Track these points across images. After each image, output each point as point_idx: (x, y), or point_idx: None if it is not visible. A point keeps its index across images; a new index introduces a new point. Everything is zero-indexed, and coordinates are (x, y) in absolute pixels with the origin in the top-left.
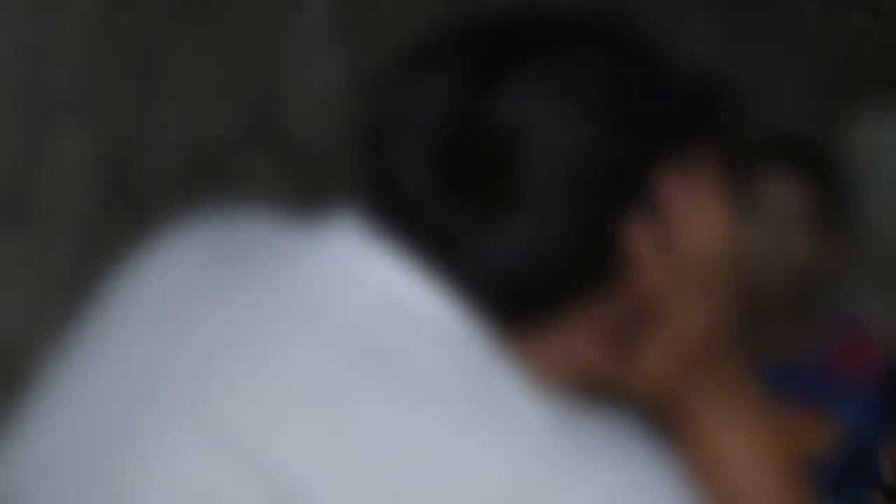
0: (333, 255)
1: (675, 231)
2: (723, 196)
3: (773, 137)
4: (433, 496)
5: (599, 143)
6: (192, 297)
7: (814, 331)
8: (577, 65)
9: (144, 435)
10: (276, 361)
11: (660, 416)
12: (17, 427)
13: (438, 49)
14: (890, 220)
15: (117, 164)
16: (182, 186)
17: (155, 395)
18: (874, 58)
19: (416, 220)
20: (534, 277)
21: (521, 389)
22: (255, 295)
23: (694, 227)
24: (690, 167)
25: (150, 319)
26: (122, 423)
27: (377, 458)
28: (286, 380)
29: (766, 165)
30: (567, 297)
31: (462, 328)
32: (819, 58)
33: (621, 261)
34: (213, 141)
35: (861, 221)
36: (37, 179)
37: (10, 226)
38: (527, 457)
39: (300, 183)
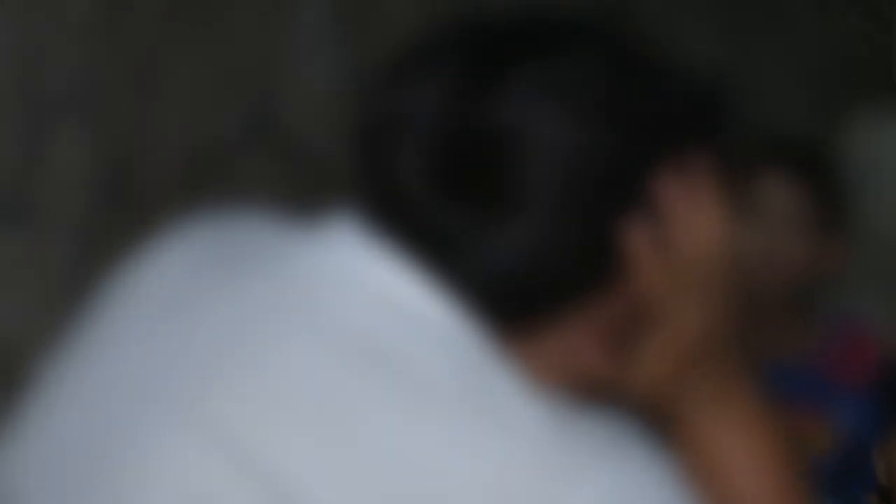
0: (332, 255)
1: (672, 232)
2: (721, 197)
3: (771, 138)
4: (430, 497)
5: (597, 144)
6: (191, 297)
7: (812, 332)
8: (576, 66)
9: (144, 435)
10: (275, 362)
11: (657, 418)
12: (17, 427)
13: (437, 50)
14: (888, 220)
15: (117, 164)
16: (182, 186)
17: (154, 395)
18: (871, 59)
19: (414, 221)
20: (532, 278)
21: (519, 391)
22: (254, 295)
23: (692, 229)
24: (688, 168)
25: (149, 319)
26: (121, 423)
27: (375, 458)
28: (285, 380)
29: (764, 166)
30: (565, 297)
31: (460, 329)
32: (817, 59)
33: (619, 262)
34: (213, 141)
35: (859, 222)
36: (36, 179)
37: (9, 226)
38: (524, 458)
39: (300, 183)
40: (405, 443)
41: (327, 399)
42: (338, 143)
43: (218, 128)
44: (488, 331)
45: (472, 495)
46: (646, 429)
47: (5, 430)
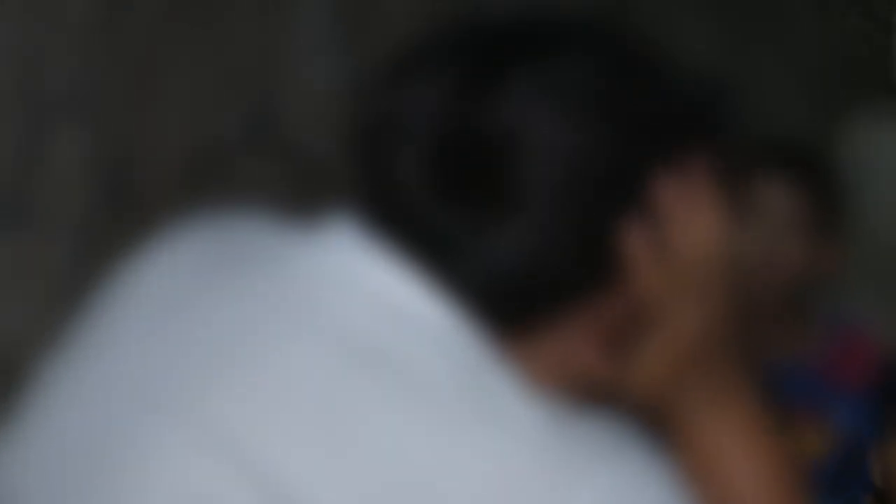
0: (331, 256)
1: (671, 233)
2: (719, 199)
3: (769, 141)
4: (429, 498)
5: (597, 145)
6: (191, 297)
7: (810, 334)
8: (576, 66)
9: (144, 435)
10: (275, 363)
11: (655, 420)
12: (17, 427)
13: (437, 50)
14: (886, 222)
15: (116, 164)
16: (182, 187)
17: (154, 395)
18: (871, 60)
19: (414, 221)
20: (531, 278)
21: (517, 392)
22: (253, 296)
23: (690, 230)
24: (687, 170)
25: (149, 320)
26: (121, 423)
27: (373, 459)
28: (284, 381)
29: (762, 168)
30: (564, 298)
31: (459, 331)
32: (817, 60)
33: (618, 263)
34: (213, 141)
35: (857, 224)
36: (36, 179)
37: (9, 226)
38: (522, 460)
39: (300, 183)
40: (404, 443)
41: (326, 399)
42: (337, 144)
43: (218, 128)
44: (487, 332)
45: (471, 496)
46: (644, 430)
47: (5, 430)
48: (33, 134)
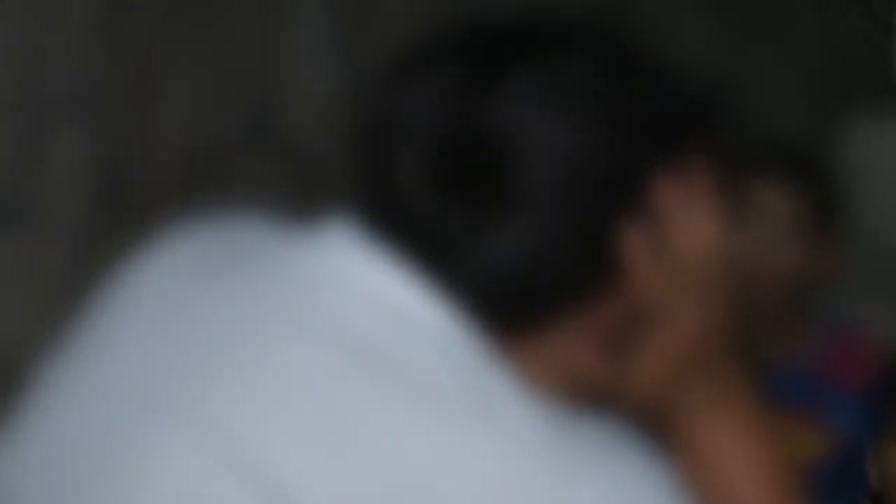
0: (331, 258)
1: (670, 234)
2: (718, 200)
3: (767, 143)
4: (428, 498)
5: (596, 145)
6: (190, 298)
7: (809, 335)
8: (575, 67)
9: (143, 435)
10: (274, 363)
11: (654, 421)
12: (16, 427)
13: (437, 50)
14: (885, 223)
15: (116, 164)
16: (181, 187)
17: (154, 395)
18: (870, 60)
19: (413, 222)
20: (531, 278)
21: (515, 394)
22: (253, 297)
23: (689, 231)
24: (686, 171)
25: (149, 320)
26: (121, 423)
27: (373, 459)
28: (284, 381)
29: (761, 170)
30: (563, 299)
31: (458, 331)
32: (817, 60)
33: (617, 264)
34: (213, 141)
35: (856, 225)
36: (36, 180)
37: (8, 226)
38: (521, 461)
39: (300, 183)
40: (403, 444)
41: (326, 400)
42: (337, 144)
43: (218, 128)
44: (486, 332)
45: (470, 496)
46: (642, 432)
47: (5, 430)
48: (33, 134)
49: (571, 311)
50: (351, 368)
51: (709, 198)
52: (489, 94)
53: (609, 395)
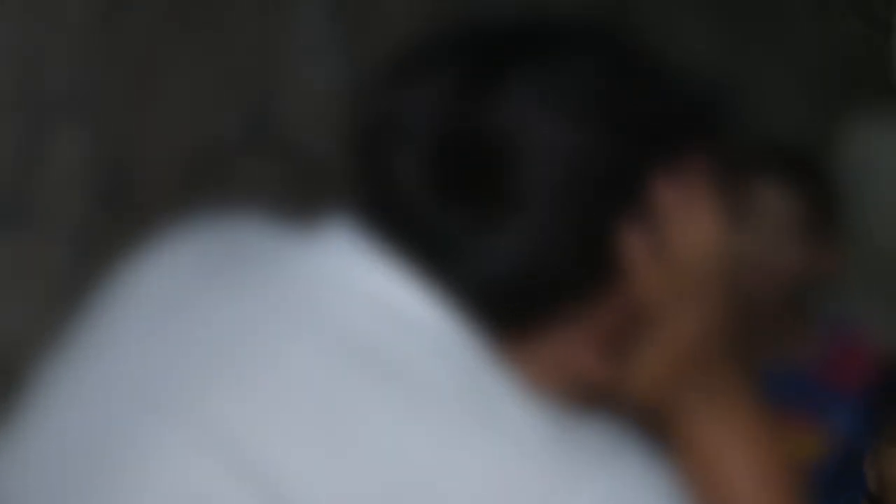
0: (330, 258)
1: (670, 234)
2: (717, 201)
3: (767, 143)
4: (427, 499)
5: (596, 146)
6: (190, 298)
7: (808, 335)
8: (575, 67)
9: (143, 435)
10: (274, 364)
11: (654, 421)
12: (16, 427)
13: (437, 50)
14: (885, 224)
15: (116, 164)
16: (181, 187)
17: (154, 395)
18: (870, 61)
19: (413, 222)
20: (530, 279)
21: (515, 396)
22: (253, 297)
23: (689, 231)
24: (686, 172)
25: (149, 320)
26: (120, 423)
27: (372, 460)
28: (284, 382)
29: (760, 171)
30: (563, 300)
31: (457, 333)
32: (816, 60)
33: (617, 265)
34: (213, 141)
35: (857, 224)
36: (35, 180)
37: (8, 226)
38: (521, 463)
39: (300, 183)
40: (403, 444)
41: (325, 401)
42: (337, 144)
43: (218, 128)
44: (486, 333)
45: (470, 497)
46: (642, 433)
47: (5, 430)
48: (33, 134)
49: (571, 311)
50: (351, 369)
51: (709, 198)
52: (489, 94)
53: (609, 396)
